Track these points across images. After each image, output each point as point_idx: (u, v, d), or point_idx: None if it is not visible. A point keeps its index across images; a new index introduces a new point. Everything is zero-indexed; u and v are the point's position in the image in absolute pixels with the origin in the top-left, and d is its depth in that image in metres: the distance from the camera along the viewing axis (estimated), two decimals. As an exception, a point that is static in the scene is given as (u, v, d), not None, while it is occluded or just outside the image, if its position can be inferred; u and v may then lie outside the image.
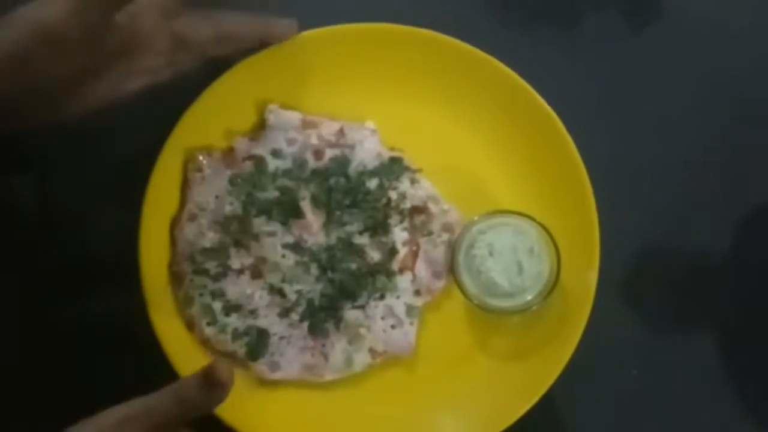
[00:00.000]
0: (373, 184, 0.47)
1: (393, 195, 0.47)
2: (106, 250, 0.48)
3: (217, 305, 0.46)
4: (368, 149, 0.47)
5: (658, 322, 0.50)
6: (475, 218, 0.46)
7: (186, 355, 0.45)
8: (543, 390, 0.45)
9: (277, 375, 0.46)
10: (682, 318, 0.50)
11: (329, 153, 0.47)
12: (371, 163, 0.47)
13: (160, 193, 0.46)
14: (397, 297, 0.46)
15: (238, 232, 0.47)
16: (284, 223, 0.47)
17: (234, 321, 0.46)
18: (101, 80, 0.42)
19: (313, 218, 0.47)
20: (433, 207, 0.47)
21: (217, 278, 0.46)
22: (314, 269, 0.46)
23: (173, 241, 0.47)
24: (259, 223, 0.47)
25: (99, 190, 0.50)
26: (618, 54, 0.52)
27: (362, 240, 0.47)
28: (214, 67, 0.47)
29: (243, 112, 0.48)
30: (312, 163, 0.47)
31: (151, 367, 0.44)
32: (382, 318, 0.46)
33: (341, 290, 0.46)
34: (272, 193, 0.47)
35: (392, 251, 0.47)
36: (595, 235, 0.45)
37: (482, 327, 0.47)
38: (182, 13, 0.44)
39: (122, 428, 0.38)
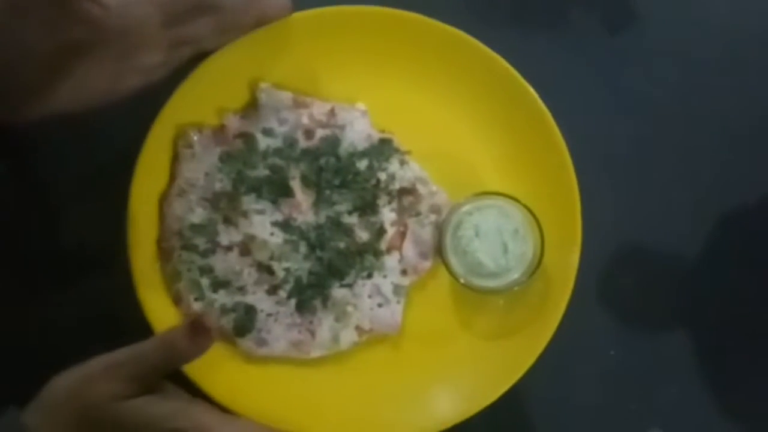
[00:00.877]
0: (362, 164, 0.48)
1: (382, 176, 0.48)
2: (92, 233, 0.48)
3: (205, 281, 0.46)
4: (358, 130, 0.48)
5: (635, 306, 0.51)
6: (462, 200, 0.47)
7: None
8: (525, 368, 0.46)
9: (264, 351, 0.46)
10: (657, 301, 0.52)
11: (320, 133, 0.48)
12: (361, 144, 0.48)
13: (149, 167, 0.46)
14: (385, 276, 0.47)
15: (227, 209, 0.47)
16: (274, 202, 0.47)
17: (222, 297, 0.46)
18: (97, 74, 0.41)
19: (302, 197, 0.47)
20: (421, 188, 0.48)
21: (205, 254, 0.46)
22: (303, 247, 0.47)
23: (162, 216, 0.47)
24: (249, 201, 0.47)
25: (85, 172, 0.49)
26: (605, 44, 0.53)
27: (351, 219, 0.47)
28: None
29: (235, 90, 0.48)
30: (302, 142, 0.48)
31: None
32: (369, 296, 0.47)
33: (329, 269, 0.47)
34: (262, 172, 0.47)
35: (380, 231, 0.47)
36: (578, 218, 0.47)
37: (466, 307, 0.48)
38: (184, 14, 0.44)
39: (109, 374, 0.39)
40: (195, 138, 0.47)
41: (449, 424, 0.46)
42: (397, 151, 0.48)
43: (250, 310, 0.46)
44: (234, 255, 0.47)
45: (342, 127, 0.48)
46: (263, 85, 0.48)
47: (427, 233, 0.48)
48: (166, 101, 0.46)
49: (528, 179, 0.48)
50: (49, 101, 0.40)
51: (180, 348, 0.40)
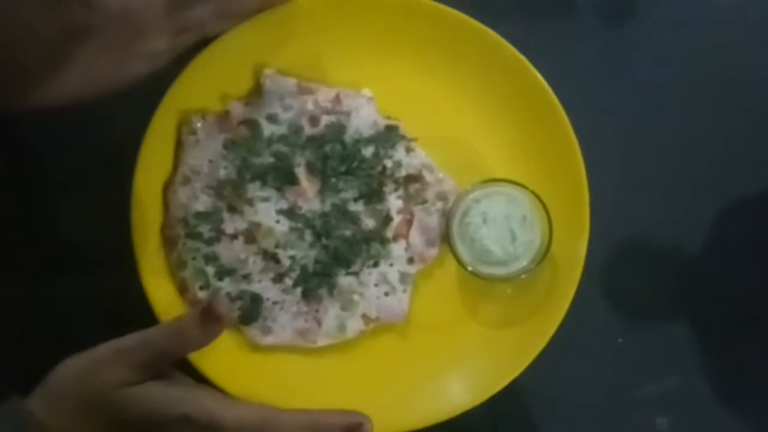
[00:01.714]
0: (368, 151, 0.47)
1: (388, 163, 0.47)
2: (96, 222, 0.48)
3: (210, 269, 0.46)
4: (364, 117, 0.47)
5: (641, 295, 0.51)
6: (470, 187, 0.46)
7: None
8: (532, 356, 0.45)
9: (270, 340, 0.46)
10: (663, 291, 0.51)
11: (325, 120, 0.47)
12: (367, 131, 0.47)
13: (153, 155, 0.46)
14: (391, 264, 0.47)
15: (232, 196, 0.46)
16: (279, 189, 0.47)
17: (227, 285, 0.46)
18: (100, 61, 0.41)
19: (308, 185, 0.47)
20: (427, 175, 0.47)
21: (210, 242, 0.46)
22: (308, 235, 0.46)
23: (166, 204, 0.46)
24: (254, 188, 0.46)
25: (88, 160, 0.49)
26: (610, 34, 0.53)
27: (357, 207, 0.47)
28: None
29: (239, 76, 0.47)
30: (308, 129, 0.47)
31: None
32: (376, 285, 0.47)
33: (335, 257, 0.46)
34: (267, 159, 0.47)
35: (386, 219, 0.47)
36: (586, 205, 0.46)
37: (473, 295, 0.48)
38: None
39: (116, 360, 0.38)
40: (198, 125, 0.47)
41: (456, 412, 0.45)
42: (403, 137, 0.48)
43: (255, 299, 0.46)
44: (239, 243, 0.46)
45: (347, 114, 0.47)
46: (268, 71, 0.47)
47: (433, 221, 0.47)
48: (168, 88, 0.46)
49: (535, 166, 0.48)
50: (52, 89, 0.40)
51: (190, 335, 0.39)
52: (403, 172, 0.47)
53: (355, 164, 0.47)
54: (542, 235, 0.45)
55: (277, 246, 0.46)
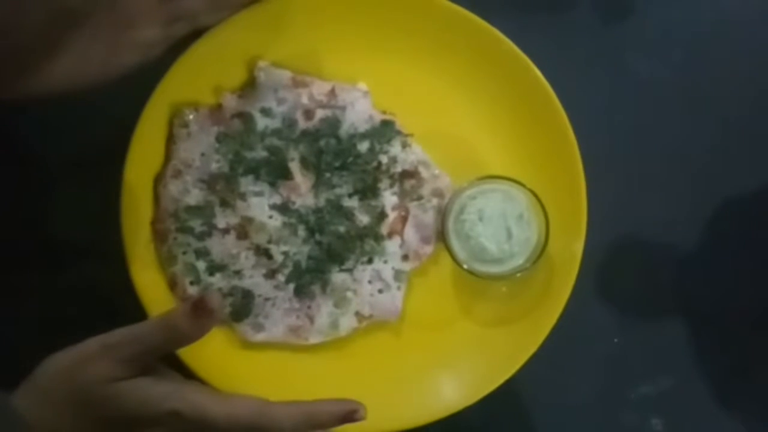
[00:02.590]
0: (363, 147, 0.46)
1: (384, 159, 0.46)
2: (85, 215, 0.47)
3: (201, 264, 0.45)
4: (360, 111, 0.47)
5: (636, 295, 0.51)
6: (466, 184, 0.46)
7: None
8: (527, 356, 0.45)
9: (261, 336, 0.45)
10: (658, 291, 0.51)
11: (320, 113, 0.47)
12: (362, 126, 0.47)
13: (144, 147, 0.45)
14: (385, 261, 0.46)
15: (224, 190, 0.46)
16: (272, 184, 0.46)
17: (218, 281, 0.45)
18: (92, 49, 0.40)
19: (301, 179, 0.46)
20: (423, 172, 0.47)
21: (201, 237, 0.45)
22: (302, 231, 0.46)
23: (157, 197, 0.45)
24: (246, 183, 0.46)
25: (78, 151, 0.48)
26: (608, 30, 0.53)
27: (351, 203, 0.46)
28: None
29: (232, 68, 0.47)
30: (302, 123, 0.46)
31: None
32: (370, 282, 0.46)
33: (329, 253, 0.46)
34: (260, 153, 0.46)
35: (381, 215, 0.46)
36: (583, 204, 0.46)
37: (468, 293, 0.47)
38: None
39: (104, 355, 0.37)
40: (191, 117, 0.46)
41: (449, 411, 0.45)
42: (399, 133, 0.47)
43: (247, 295, 0.45)
44: (231, 238, 0.45)
45: (343, 108, 0.47)
46: (262, 63, 0.46)
47: (429, 217, 0.47)
48: (161, 79, 0.45)
49: (532, 163, 0.47)
50: (42, 78, 0.39)
51: (181, 329, 0.38)
52: (398, 168, 0.47)
53: (350, 159, 0.46)
54: (539, 234, 0.45)
55: (269, 241, 0.45)
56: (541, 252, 0.44)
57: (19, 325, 0.47)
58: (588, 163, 0.46)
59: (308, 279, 0.45)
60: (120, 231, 0.44)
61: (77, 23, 0.40)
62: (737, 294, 0.51)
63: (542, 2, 0.53)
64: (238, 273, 0.45)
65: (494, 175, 0.46)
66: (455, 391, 0.45)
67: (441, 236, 0.46)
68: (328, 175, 0.46)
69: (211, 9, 0.45)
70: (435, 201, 0.47)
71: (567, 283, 0.46)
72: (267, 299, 0.45)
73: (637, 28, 0.53)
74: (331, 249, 0.46)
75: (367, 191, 0.46)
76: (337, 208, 0.46)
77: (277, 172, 0.46)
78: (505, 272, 0.45)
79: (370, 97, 0.47)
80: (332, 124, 0.47)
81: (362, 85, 0.47)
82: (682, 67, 0.52)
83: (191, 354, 0.43)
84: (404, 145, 0.47)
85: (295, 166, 0.46)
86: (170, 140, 0.46)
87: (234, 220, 0.45)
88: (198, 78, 0.46)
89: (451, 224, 0.45)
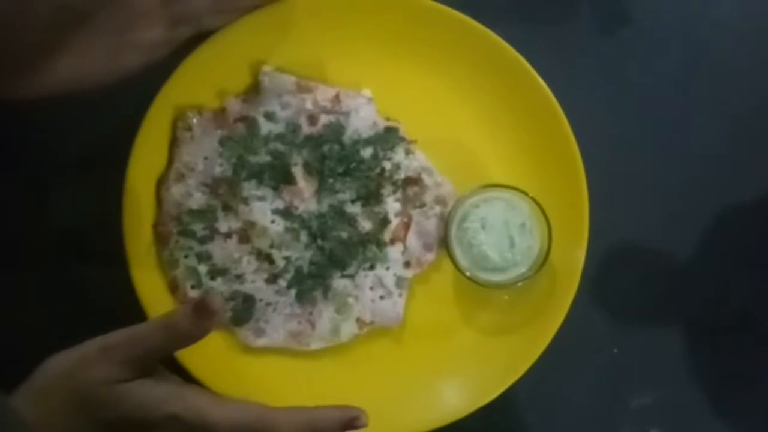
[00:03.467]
0: (367, 153, 0.46)
1: (387, 165, 0.46)
2: (87, 217, 0.47)
3: (203, 268, 0.45)
4: (364, 117, 0.47)
5: (636, 304, 0.51)
6: (469, 192, 0.46)
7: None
8: (527, 365, 0.45)
9: (262, 341, 0.45)
10: (658, 300, 0.51)
11: (324, 119, 0.46)
12: (366, 132, 0.47)
13: (147, 149, 0.45)
14: (387, 268, 0.46)
15: (226, 194, 0.45)
16: (275, 188, 0.46)
17: (219, 285, 0.45)
18: (95, 49, 0.40)
19: (304, 184, 0.46)
20: (426, 179, 0.47)
21: (203, 241, 0.45)
22: (304, 236, 0.46)
23: (159, 200, 0.45)
24: (249, 187, 0.46)
25: (81, 153, 0.48)
26: (610, 37, 0.53)
27: (354, 209, 0.46)
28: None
29: (236, 72, 0.46)
30: (306, 128, 0.46)
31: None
32: (371, 288, 0.46)
33: (331, 259, 0.46)
34: (264, 157, 0.46)
35: (384, 221, 0.46)
36: (585, 213, 0.46)
37: (469, 301, 0.47)
38: None
39: (104, 356, 0.37)
40: (194, 121, 0.46)
41: (449, 420, 0.45)
42: (402, 140, 0.47)
43: (248, 299, 0.45)
44: (233, 242, 0.45)
45: (347, 114, 0.47)
46: (266, 68, 0.46)
47: (431, 225, 0.47)
48: (165, 81, 0.45)
49: (535, 173, 0.47)
50: (47, 77, 0.39)
51: (181, 330, 0.38)
52: (401, 175, 0.47)
53: (353, 165, 0.46)
54: (541, 242, 0.45)
55: (271, 246, 0.45)
56: (543, 261, 0.44)
57: (19, 325, 0.46)
58: (587, 170, 0.46)
59: (310, 284, 0.45)
60: (122, 233, 0.44)
61: (80, 23, 0.39)
62: (737, 302, 0.51)
63: (544, 12, 0.53)
64: (239, 277, 0.45)
65: (497, 183, 0.46)
66: (455, 399, 0.45)
67: (443, 244, 0.46)
68: (331, 180, 0.46)
69: (215, 11, 0.44)
70: (438, 208, 0.47)
71: (568, 292, 0.46)
72: (268, 304, 0.45)
73: (637, 36, 0.53)
74: (333, 255, 0.46)
75: (370, 197, 0.46)
76: (339, 213, 0.46)
77: (280, 177, 0.46)
78: (507, 281, 0.45)
79: (374, 104, 0.47)
80: (336, 130, 0.46)
81: (366, 92, 0.47)
82: (681, 75, 0.53)
83: (191, 357, 0.43)
84: (408, 152, 0.47)
85: (298, 171, 0.46)
86: (173, 143, 0.46)
87: (236, 225, 0.45)
88: (202, 81, 0.46)
89: (453, 232, 0.45)
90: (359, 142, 0.46)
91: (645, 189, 0.51)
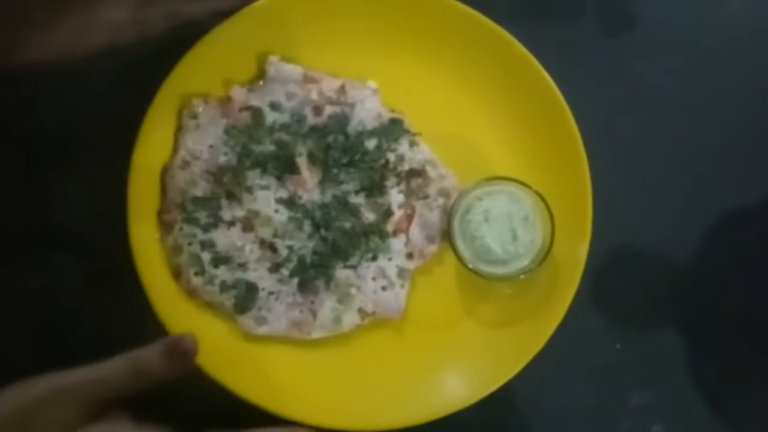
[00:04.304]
0: (371, 144, 0.47)
1: (391, 157, 0.47)
2: (92, 203, 0.47)
3: (206, 256, 0.45)
4: (369, 109, 0.47)
5: (637, 301, 0.51)
6: (472, 184, 0.46)
7: (172, 306, 0.44)
8: (528, 358, 0.45)
9: (264, 330, 0.45)
10: (660, 297, 0.51)
11: (329, 110, 0.47)
12: (371, 123, 0.47)
13: (152, 136, 0.45)
14: (390, 259, 0.46)
15: (231, 183, 0.46)
16: (279, 178, 0.46)
17: (222, 273, 0.45)
18: (61, 26, 0.40)
19: (308, 175, 0.46)
20: (430, 171, 0.47)
21: (207, 228, 0.45)
22: (307, 226, 0.46)
23: (164, 188, 0.45)
24: (254, 176, 0.46)
25: (86, 140, 0.48)
26: (614, 37, 0.53)
27: (357, 200, 0.46)
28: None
29: (243, 61, 0.47)
30: (311, 118, 0.47)
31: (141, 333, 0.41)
32: (374, 279, 0.46)
33: (333, 249, 0.46)
34: (268, 147, 0.46)
35: (387, 213, 0.46)
36: (589, 208, 0.46)
37: (472, 293, 0.47)
38: None
39: (60, 398, 0.35)
40: (200, 109, 0.46)
41: (448, 412, 0.45)
42: (407, 131, 0.47)
43: (251, 288, 0.45)
44: (236, 230, 0.45)
45: (352, 105, 0.47)
46: (273, 58, 0.46)
47: (434, 217, 0.47)
48: (171, 69, 0.45)
49: (538, 166, 0.47)
50: (13, 55, 0.39)
51: (153, 372, 0.35)
52: (405, 167, 0.47)
53: (357, 156, 0.46)
54: (544, 236, 0.45)
55: (274, 235, 0.45)
56: (546, 254, 0.45)
57: (21, 312, 0.46)
58: (592, 168, 0.46)
59: (312, 274, 0.45)
60: (126, 220, 0.44)
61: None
62: (739, 301, 0.51)
63: (551, 10, 0.53)
64: (242, 266, 0.45)
65: (501, 176, 0.46)
66: (455, 391, 0.45)
67: (446, 236, 0.46)
68: (335, 171, 0.46)
69: None
70: (441, 200, 0.47)
71: (571, 285, 0.46)
72: (270, 293, 0.45)
73: (643, 36, 0.53)
74: (336, 245, 0.46)
75: (374, 188, 0.46)
76: (343, 204, 0.46)
77: (284, 167, 0.46)
78: (510, 273, 0.45)
79: (380, 95, 0.47)
80: (341, 121, 0.47)
81: (372, 83, 0.47)
82: (686, 73, 0.53)
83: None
84: (412, 144, 0.47)
85: (302, 161, 0.46)
86: (179, 131, 0.46)
87: (240, 213, 0.45)
88: (208, 70, 0.46)
89: (456, 224, 0.45)
90: (364, 134, 0.47)
91: (647, 188, 0.51)
